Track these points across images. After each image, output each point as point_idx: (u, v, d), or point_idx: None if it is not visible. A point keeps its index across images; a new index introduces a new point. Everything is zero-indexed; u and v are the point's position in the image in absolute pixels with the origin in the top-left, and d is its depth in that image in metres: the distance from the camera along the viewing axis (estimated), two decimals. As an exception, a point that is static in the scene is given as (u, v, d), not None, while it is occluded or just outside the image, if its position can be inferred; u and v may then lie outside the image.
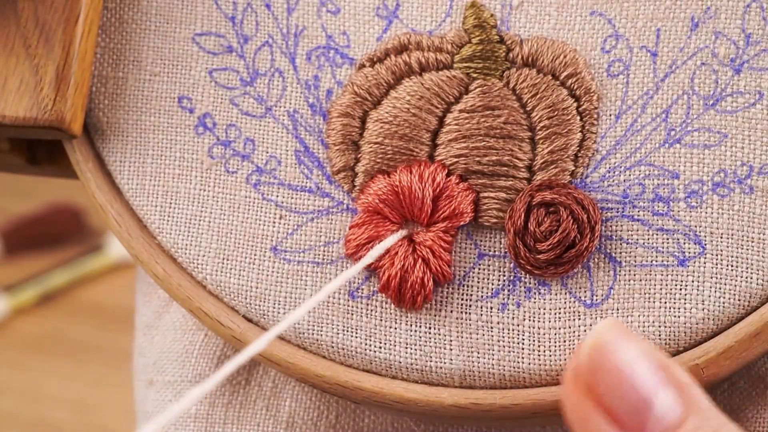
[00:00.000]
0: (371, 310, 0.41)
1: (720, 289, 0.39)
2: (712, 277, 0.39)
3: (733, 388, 0.42)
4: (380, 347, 0.41)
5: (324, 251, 0.42)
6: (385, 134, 0.41)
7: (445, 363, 0.40)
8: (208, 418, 0.46)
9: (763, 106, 0.40)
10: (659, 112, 0.40)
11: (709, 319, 0.39)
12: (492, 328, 0.40)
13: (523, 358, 0.40)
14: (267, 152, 0.42)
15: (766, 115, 0.40)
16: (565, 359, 0.40)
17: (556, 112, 0.41)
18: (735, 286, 0.39)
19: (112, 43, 0.43)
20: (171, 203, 0.43)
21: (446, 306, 0.41)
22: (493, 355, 0.40)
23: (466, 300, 0.41)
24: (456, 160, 0.41)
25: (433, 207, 0.41)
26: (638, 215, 0.40)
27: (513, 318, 0.40)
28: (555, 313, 0.40)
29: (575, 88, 0.41)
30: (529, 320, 0.40)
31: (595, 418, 0.29)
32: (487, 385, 0.40)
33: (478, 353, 0.40)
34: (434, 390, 0.40)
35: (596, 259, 0.40)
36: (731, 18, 0.40)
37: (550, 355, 0.40)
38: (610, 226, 0.40)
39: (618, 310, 0.39)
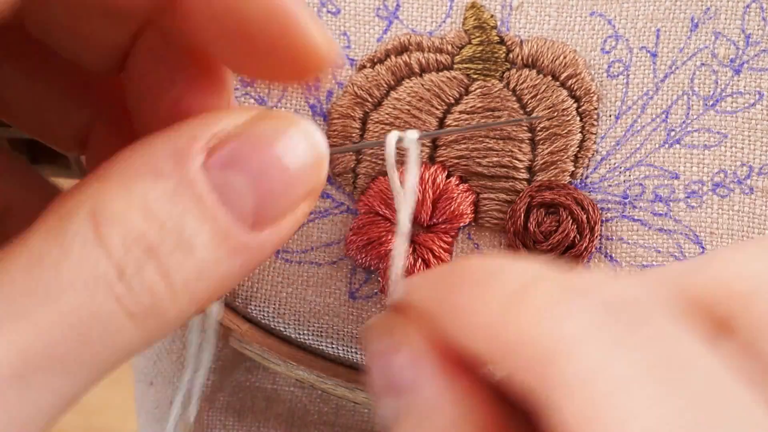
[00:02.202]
0: (371, 311, 0.41)
1: (720, 289, 0.39)
2: (712, 278, 0.39)
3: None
4: (380, 348, 0.41)
5: (325, 252, 0.42)
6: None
7: (445, 363, 0.40)
8: (209, 418, 0.46)
9: (762, 107, 0.40)
10: (659, 112, 0.40)
11: (709, 319, 0.39)
12: (492, 328, 0.40)
13: (523, 358, 0.40)
14: (267, 153, 0.42)
15: (766, 116, 0.40)
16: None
17: (556, 113, 0.41)
18: (735, 286, 0.39)
19: (113, 44, 0.44)
20: (171, 204, 0.43)
21: (446, 306, 0.41)
22: (493, 355, 0.40)
23: (467, 300, 0.41)
24: (456, 161, 0.41)
25: (433, 208, 0.41)
26: (638, 216, 0.40)
27: (513, 318, 0.40)
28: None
29: (575, 88, 0.41)
30: (530, 321, 0.40)
31: None
32: (487, 386, 0.40)
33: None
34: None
35: (596, 260, 0.40)
36: (731, 18, 0.40)
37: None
38: (610, 227, 0.40)
39: (618, 310, 0.40)
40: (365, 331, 0.30)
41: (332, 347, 0.41)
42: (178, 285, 0.25)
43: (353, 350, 0.41)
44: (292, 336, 0.42)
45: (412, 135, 0.33)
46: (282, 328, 0.42)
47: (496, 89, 0.41)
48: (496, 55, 0.41)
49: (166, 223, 0.25)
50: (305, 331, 0.42)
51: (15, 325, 0.24)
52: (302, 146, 0.28)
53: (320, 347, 0.41)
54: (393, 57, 0.42)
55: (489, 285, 0.26)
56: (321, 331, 0.41)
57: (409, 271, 0.40)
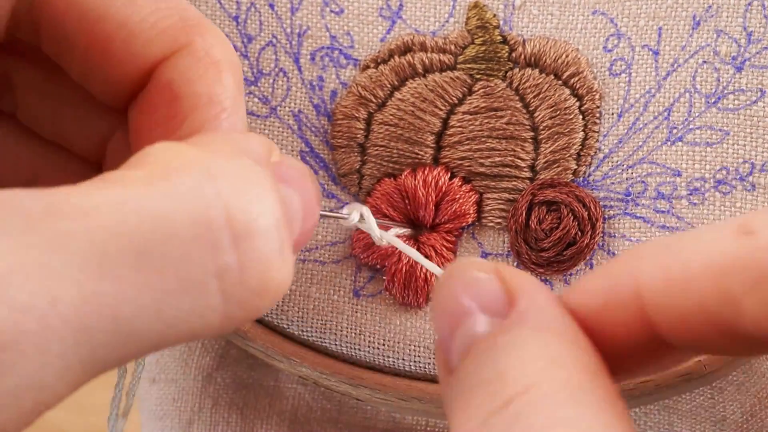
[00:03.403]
0: (375, 309, 0.41)
1: (722, 286, 0.39)
2: (714, 275, 0.39)
3: (740, 388, 0.42)
4: (384, 345, 0.41)
5: (329, 251, 0.42)
6: (390, 137, 0.41)
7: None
8: (212, 416, 0.46)
9: (764, 104, 0.40)
10: (661, 110, 0.40)
11: (711, 316, 0.39)
12: (496, 325, 0.40)
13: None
14: (271, 152, 0.42)
15: (768, 113, 0.40)
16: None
17: (558, 112, 0.41)
18: (737, 283, 0.39)
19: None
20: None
21: (450, 304, 0.41)
22: (497, 352, 0.40)
23: (470, 298, 0.41)
24: (460, 162, 0.41)
25: (436, 209, 0.41)
26: (641, 213, 0.40)
27: (517, 316, 0.40)
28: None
29: (577, 87, 0.41)
30: (533, 318, 0.40)
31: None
32: (491, 383, 0.40)
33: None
34: (438, 387, 0.40)
35: (599, 257, 0.40)
36: (733, 16, 0.40)
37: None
38: (613, 224, 0.40)
39: (621, 307, 0.40)
40: (457, 265, 0.28)
41: (335, 345, 0.42)
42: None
43: (356, 347, 0.41)
44: (296, 333, 0.42)
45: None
46: (285, 326, 0.42)
47: (499, 89, 0.41)
48: (498, 54, 0.41)
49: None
50: (309, 329, 0.42)
51: None
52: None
53: (323, 344, 0.42)
54: (396, 57, 0.42)
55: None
56: (324, 329, 0.42)
57: (410, 270, 0.40)
